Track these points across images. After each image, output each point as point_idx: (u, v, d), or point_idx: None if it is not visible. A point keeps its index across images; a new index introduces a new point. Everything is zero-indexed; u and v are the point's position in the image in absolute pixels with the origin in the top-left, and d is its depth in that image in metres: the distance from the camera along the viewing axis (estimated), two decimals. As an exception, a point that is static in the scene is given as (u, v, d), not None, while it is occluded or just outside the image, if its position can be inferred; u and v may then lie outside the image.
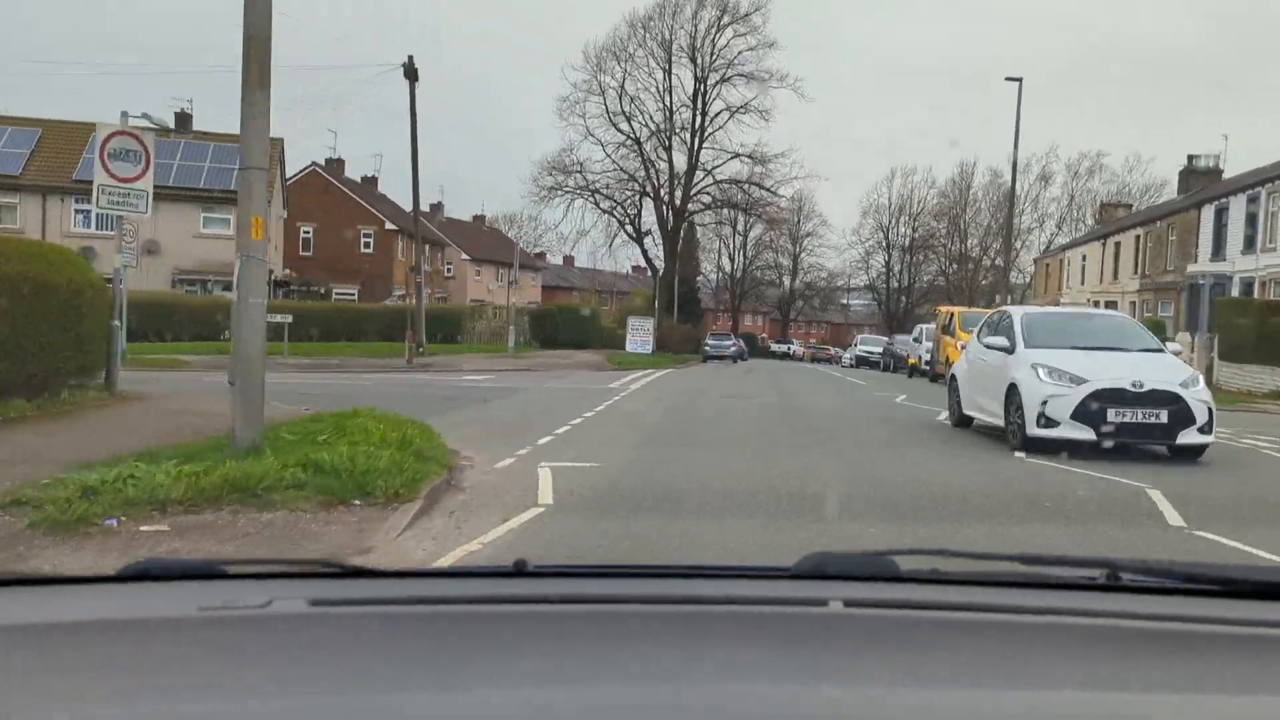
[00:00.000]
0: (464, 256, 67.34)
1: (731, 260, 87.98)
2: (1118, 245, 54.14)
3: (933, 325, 39.76)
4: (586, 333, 45.35)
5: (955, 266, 76.61)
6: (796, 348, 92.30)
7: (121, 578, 1.57)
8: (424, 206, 72.86)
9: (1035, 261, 69.64)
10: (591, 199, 48.17)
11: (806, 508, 7.42)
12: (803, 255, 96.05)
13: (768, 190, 44.75)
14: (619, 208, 48.32)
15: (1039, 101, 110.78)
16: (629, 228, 45.91)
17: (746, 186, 43.86)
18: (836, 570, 1.53)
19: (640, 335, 37.10)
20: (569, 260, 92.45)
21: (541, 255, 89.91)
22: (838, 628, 1.33)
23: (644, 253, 50.88)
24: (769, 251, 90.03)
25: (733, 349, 51.42)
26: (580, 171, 46.93)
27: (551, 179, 48.91)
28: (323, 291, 49.06)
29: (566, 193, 48.21)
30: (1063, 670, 1.18)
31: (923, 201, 74.58)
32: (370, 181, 59.46)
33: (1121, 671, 1.19)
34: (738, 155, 46.38)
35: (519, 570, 1.53)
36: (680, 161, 48.05)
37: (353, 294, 49.04)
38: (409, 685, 1.10)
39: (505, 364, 28.58)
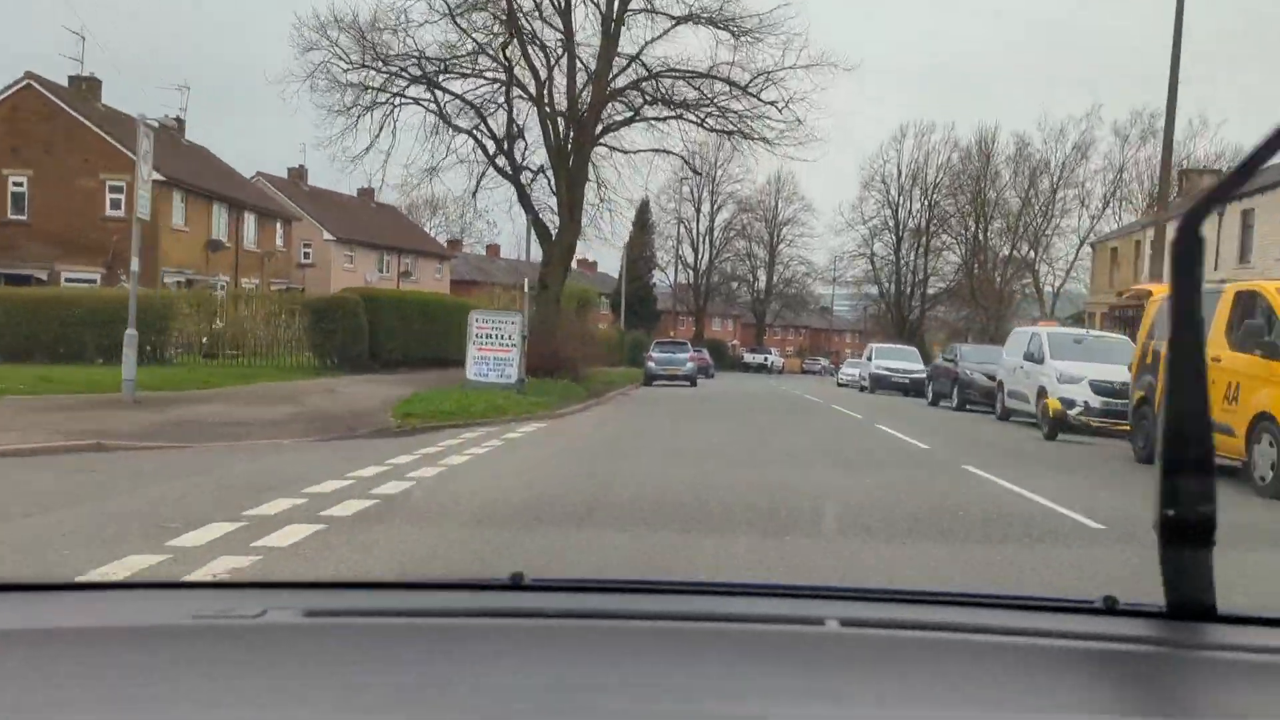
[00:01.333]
0: (328, 237, 49.54)
1: (695, 249, 70.72)
2: (1247, 215, 37.54)
3: (1055, 328, 22.57)
4: (449, 341, 27.57)
5: (971, 257, 59.48)
6: (775, 358, 75.07)
7: (114, 585, 1.63)
8: (281, 172, 55.27)
9: (1092, 247, 52.75)
10: (432, 106, 24.22)
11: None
12: (781, 246, 79.19)
13: (745, 90, 23.12)
14: (482, 125, 24.25)
15: (1075, 57, 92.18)
16: (501, 160, 24.27)
17: (702, 84, 23.14)
18: (833, 588, 1.55)
19: (492, 348, 18.92)
20: (494, 250, 74.85)
21: (456, 244, 72.18)
22: (834, 647, 1.33)
23: (521, 196, 25.12)
24: (740, 239, 72.79)
25: (689, 365, 34.07)
26: (418, 59, 23.30)
27: (356, 74, 23.83)
28: (45, 277, 31.25)
29: (382, 95, 23.97)
30: (1058, 693, 1.19)
31: (943, 168, 57.22)
32: (175, 124, 41.54)
33: (1117, 696, 1.20)
34: (690, 18, 22.63)
35: (516, 583, 1.53)
36: (587, 40, 24.06)
37: (93, 278, 31.17)
38: (404, 698, 1.10)
39: None
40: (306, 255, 49.23)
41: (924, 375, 36.84)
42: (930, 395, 27.83)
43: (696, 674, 1.20)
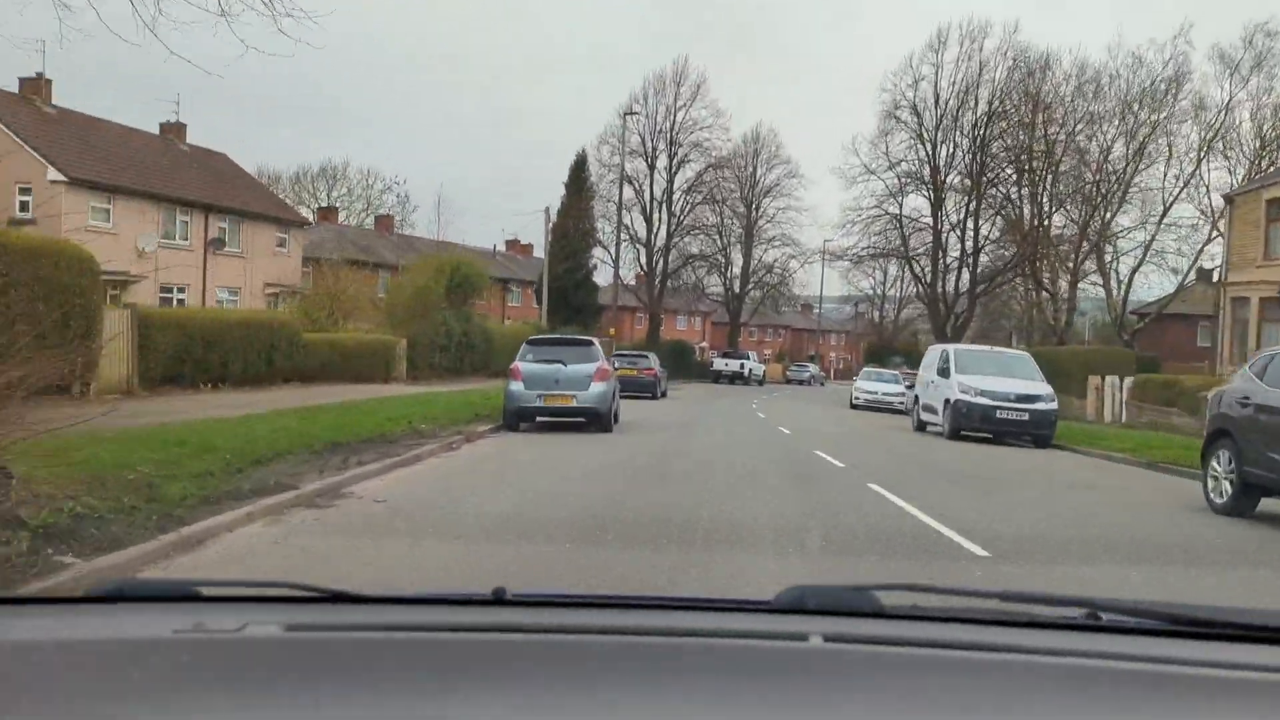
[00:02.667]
0: (56, 177, 31.56)
1: (648, 218, 52.92)
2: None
3: None
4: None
5: (1036, 226, 41.87)
6: (753, 364, 57.64)
7: (93, 598, 1.59)
8: (8, 84, 36.23)
9: (1228, 200, 35.74)
10: None
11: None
12: (762, 222, 61.84)
13: None
14: None
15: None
16: None
17: None
18: (816, 604, 1.54)
19: None
20: (385, 222, 57.01)
21: (331, 212, 54.36)
22: (817, 663, 1.33)
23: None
24: (709, 207, 55.14)
25: (594, 389, 16.44)
26: None
27: None
28: None
29: None
30: (1040, 710, 1.19)
31: (1000, 86, 38.36)
32: None
33: (1100, 712, 1.20)
34: None
35: (498, 599, 1.53)
36: None
37: None
38: (385, 713, 1.10)
39: None
40: (24, 207, 31.33)
41: (1054, 407, 19.46)
42: (1215, 486, 10.16)
43: (678, 690, 1.18)
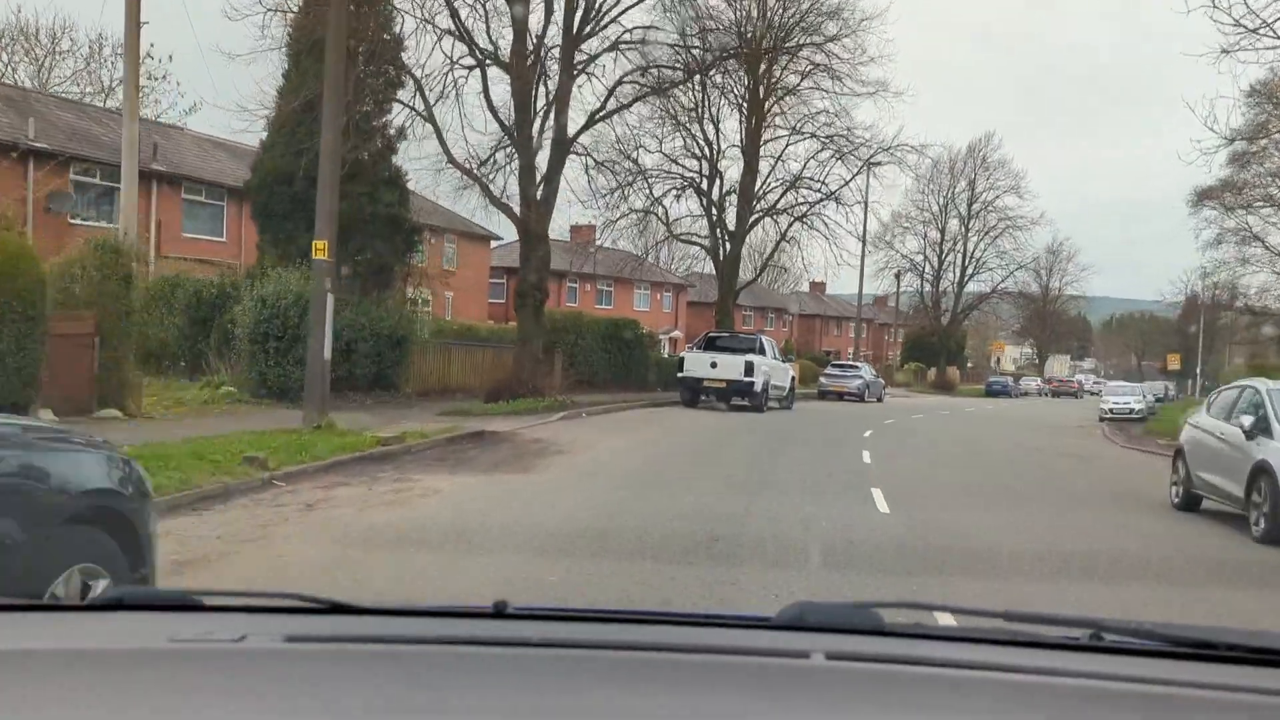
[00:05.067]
0: None
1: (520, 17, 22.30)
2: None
3: None
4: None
5: None
6: (769, 360, 27.26)
7: (94, 606, 1.56)
8: None
9: None
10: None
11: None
12: (778, 88, 32.23)
13: None
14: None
15: None
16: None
17: None
18: (819, 621, 1.52)
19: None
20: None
21: None
22: (819, 680, 1.32)
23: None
24: (666, 30, 24.75)
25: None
26: None
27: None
28: None
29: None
30: None
31: None
32: None
33: None
34: None
35: (499, 611, 1.52)
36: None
37: None
38: None
39: None
40: None
41: None
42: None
43: (678, 705, 1.17)
